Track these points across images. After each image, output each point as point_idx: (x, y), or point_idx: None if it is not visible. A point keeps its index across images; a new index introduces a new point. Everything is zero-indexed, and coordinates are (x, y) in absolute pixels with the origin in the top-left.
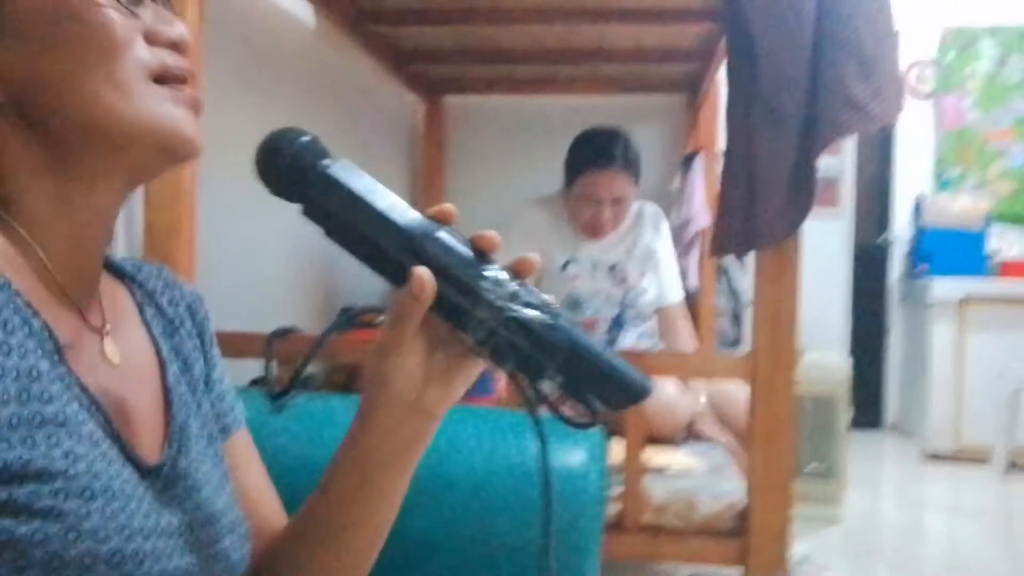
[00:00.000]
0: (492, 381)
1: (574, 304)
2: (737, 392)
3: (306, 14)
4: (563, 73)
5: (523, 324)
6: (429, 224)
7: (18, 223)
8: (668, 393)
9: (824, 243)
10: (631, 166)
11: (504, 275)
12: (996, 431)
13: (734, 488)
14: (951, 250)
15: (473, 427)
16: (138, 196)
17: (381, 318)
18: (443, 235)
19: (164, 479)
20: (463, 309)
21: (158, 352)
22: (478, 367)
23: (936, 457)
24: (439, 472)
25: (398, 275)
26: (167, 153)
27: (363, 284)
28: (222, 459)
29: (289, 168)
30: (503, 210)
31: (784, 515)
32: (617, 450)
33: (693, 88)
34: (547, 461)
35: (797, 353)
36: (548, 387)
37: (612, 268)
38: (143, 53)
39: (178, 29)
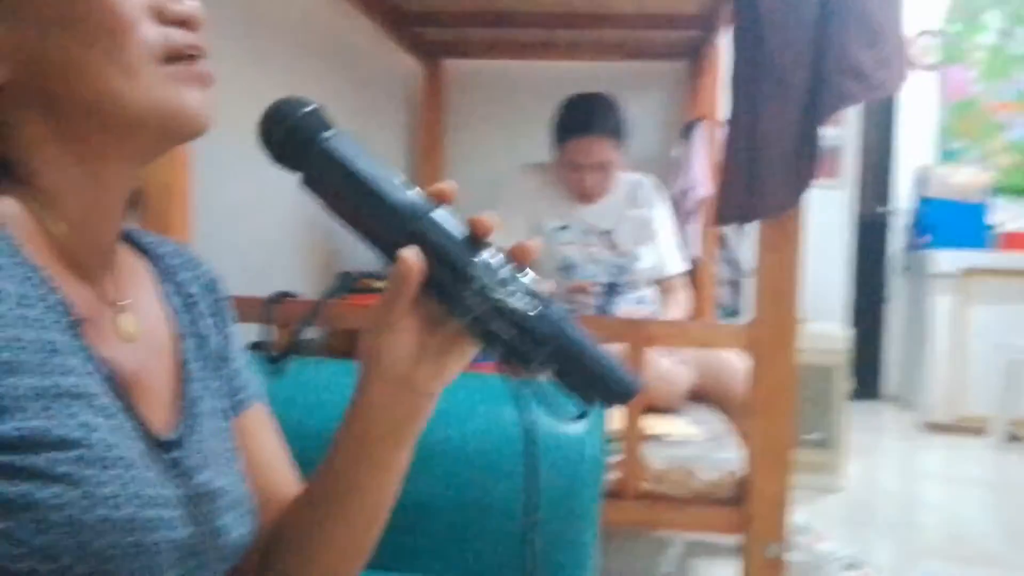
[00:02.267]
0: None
1: (567, 268)
2: (733, 362)
3: None
4: (564, 38)
5: (509, 312)
6: (426, 203)
7: (35, 198)
8: (664, 365)
9: (825, 214)
10: (614, 131)
11: (498, 260)
12: (995, 402)
13: (733, 457)
14: (952, 222)
15: (470, 393)
16: None
17: (380, 283)
18: (438, 216)
19: (173, 453)
20: (453, 292)
21: (175, 327)
22: (473, 348)
23: (935, 427)
24: (436, 437)
25: (392, 253)
26: (172, 134)
27: (362, 248)
28: (232, 436)
29: (290, 139)
30: (501, 174)
31: (783, 484)
32: (616, 418)
33: (694, 55)
34: (534, 439)
35: (798, 323)
36: (538, 374)
37: (604, 233)
38: (150, 33)
39: (188, 4)
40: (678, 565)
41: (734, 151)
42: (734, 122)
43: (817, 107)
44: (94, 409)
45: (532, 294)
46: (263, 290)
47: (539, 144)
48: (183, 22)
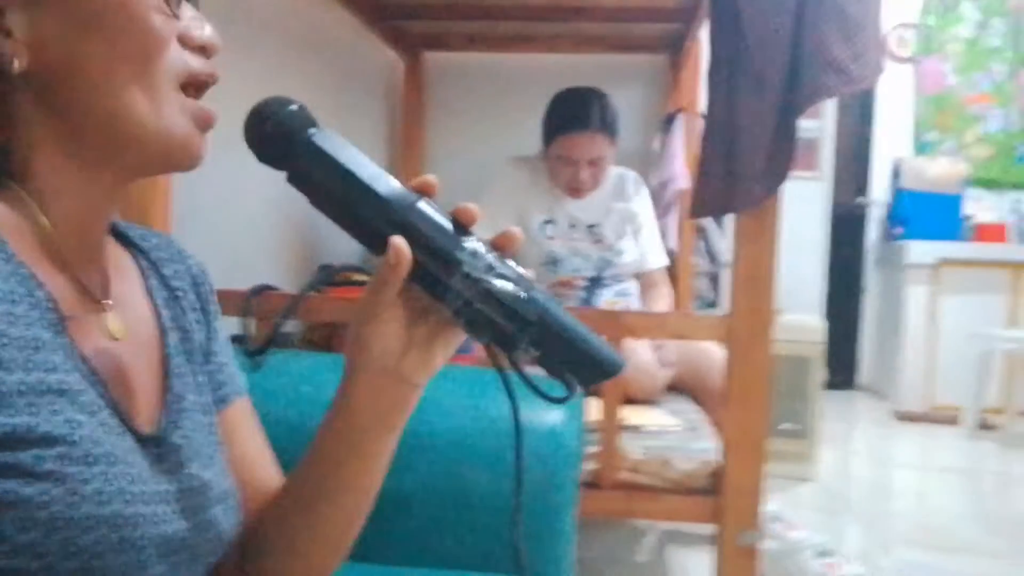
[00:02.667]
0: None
1: (552, 263)
2: (712, 353)
3: None
4: (545, 31)
5: (496, 296)
6: (409, 195)
7: (27, 194)
8: (644, 357)
9: (802, 205)
10: (608, 127)
11: (482, 247)
12: (967, 391)
13: (708, 447)
14: (927, 213)
15: (452, 385)
16: None
17: (360, 276)
18: (423, 206)
19: (159, 448)
20: (440, 279)
21: (159, 322)
22: (458, 338)
23: (908, 417)
24: (418, 429)
25: (379, 244)
26: (171, 161)
27: (342, 242)
28: (216, 430)
29: (276, 136)
30: (483, 167)
31: (758, 474)
32: (594, 409)
33: (675, 48)
34: (519, 425)
35: (774, 314)
36: (524, 359)
37: (590, 228)
38: (176, 57)
39: (208, 31)
40: (654, 554)
41: (711, 144)
42: (711, 115)
43: (794, 100)
44: (78, 406)
45: (517, 278)
46: (243, 283)
47: (520, 136)
48: (203, 48)
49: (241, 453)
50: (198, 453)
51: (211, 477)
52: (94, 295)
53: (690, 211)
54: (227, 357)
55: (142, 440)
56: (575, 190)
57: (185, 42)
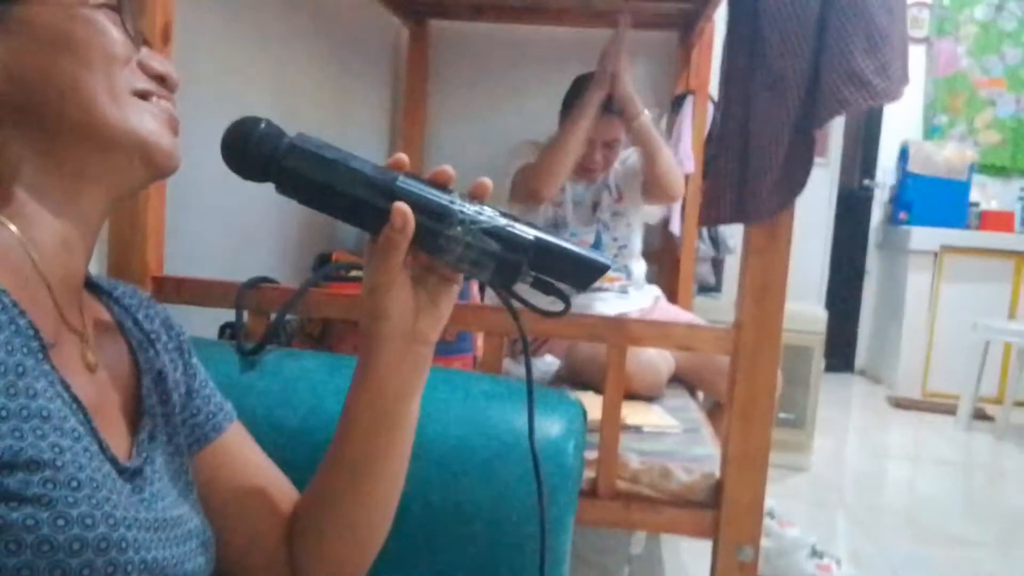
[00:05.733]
0: (471, 339)
1: (555, 226)
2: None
3: None
4: (553, 3)
5: (494, 231)
6: (391, 171)
7: (7, 218)
8: (649, 351)
9: (809, 191)
10: (630, 107)
11: (466, 199)
12: (963, 380)
13: (709, 453)
14: (933, 199)
15: (448, 393)
16: None
17: (354, 272)
18: (406, 177)
19: (134, 480)
20: (439, 233)
21: (135, 362)
22: (457, 288)
23: (903, 403)
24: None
25: (377, 221)
26: (146, 161)
27: (335, 235)
28: (187, 471)
29: (259, 151)
30: (484, 136)
31: (759, 488)
32: (594, 408)
33: (686, 26)
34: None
35: (782, 327)
36: (526, 280)
37: (593, 207)
38: (136, 74)
39: (167, 66)
40: (647, 547)
41: (723, 149)
42: (724, 119)
43: (814, 112)
44: (62, 432)
45: (503, 215)
46: (235, 274)
47: (524, 108)
48: (160, 78)
49: (255, 465)
50: (168, 490)
51: (181, 513)
52: (73, 325)
53: (701, 219)
54: (210, 389)
55: (120, 470)
56: (587, 170)
57: (145, 69)
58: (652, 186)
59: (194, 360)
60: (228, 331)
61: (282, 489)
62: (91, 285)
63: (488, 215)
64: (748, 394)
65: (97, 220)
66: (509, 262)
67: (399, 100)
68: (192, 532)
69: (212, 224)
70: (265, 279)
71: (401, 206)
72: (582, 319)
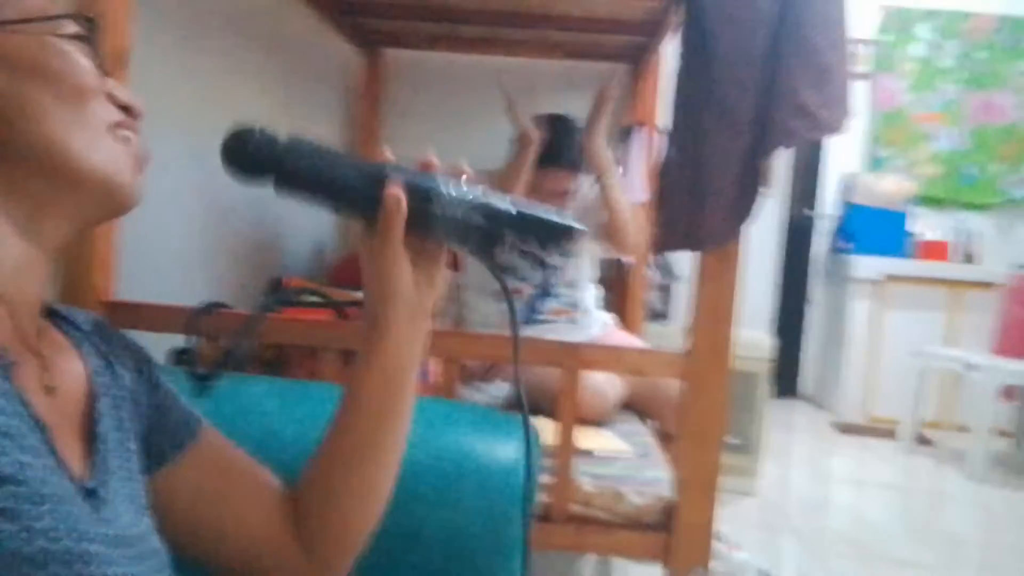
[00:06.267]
0: (426, 369)
1: (505, 271)
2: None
3: None
4: (507, 35)
5: (477, 205)
6: (379, 163)
7: None
8: (597, 377)
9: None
10: (577, 161)
11: (450, 180)
12: (905, 405)
13: (660, 476)
14: (875, 229)
15: None
16: None
17: (314, 298)
18: (395, 167)
19: (92, 499)
20: (428, 212)
21: (90, 385)
22: (444, 259)
23: (847, 428)
24: None
25: (372, 207)
26: (107, 199)
27: (287, 261)
28: (143, 494)
29: (259, 153)
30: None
31: (710, 510)
32: (545, 433)
33: (636, 59)
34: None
35: (732, 353)
36: (508, 246)
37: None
38: (106, 106)
39: (132, 96)
40: (598, 571)
41: (674, 178)
42: (675, 149)
43: (762, 143)
44: (24, 448)
45: (483, 191)
46: (185, 299)
47: (477, 137)
48: (126, 108)
49: (239, 463)
50: (125, 511)
51: (138, 532)
52: (33, 347)
53: (653, 247)
54: (179, 401)
55: (80, 489)
56: None
57: (112, 100)
58: (615, 241)
59: (157, 373)
60: (182, 356)
61: (268, 474)
62: (50, 311)
63: (471, 193)
64: (699, 418)
65: (58, 247)
66: (491, 233)
67: (354, 128)
68: (152, 551)
69: (163, 248)
70: (218, 304)
71: (394, 189)
72: (536, 343)
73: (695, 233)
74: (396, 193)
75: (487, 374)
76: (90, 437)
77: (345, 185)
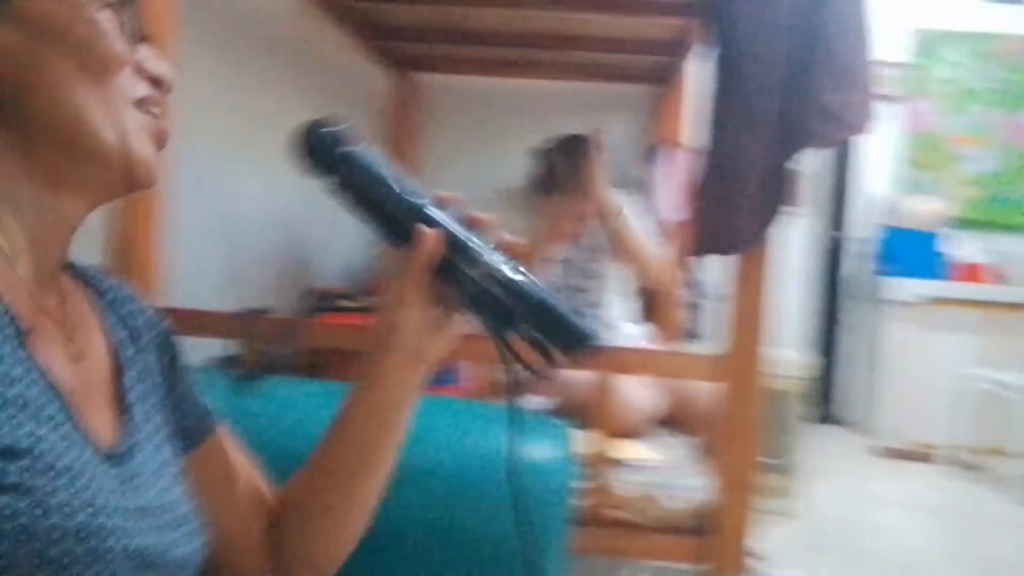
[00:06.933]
0: (459, 373)
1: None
2: (702, 386)
3: None
4: (534, 57)
5: (504, 280)
6: (432, 201)
7: None
8: (630, 391)
9: (789, 240)
10: (590, 185)
11: (490, 244)
12: (945, 429)
13: (697, 484)
14: (909, 251)
15: (444, 417)
16: None
17: (350, 303)
18: (442, 211)
19: (119, 467)
20: (455, 266)
21: (116, 357)
22: (461, 325)
23: (888, 453)
24: (412, 461)
25: (405, 241)
26: (126, 173)
27: (327, 265)
28: (173, 462)
29: (316, 153)
30: (470, 187)
31: (746, 515)
32: (584, 443)
33: (661, 79)
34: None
35: (767, 353)
36: (520, 330)
37: (583, 268)
38: (133, 79)
39: (164, 67)
40: None
41: (709, 183)
42: (709, 154)
43: (786, 143)
44: (40, 419)
45: (516, 269)
46: (231, 304)
47: (507, 158)
48: (156, 81)
49: (241, 464)
50: (156, 478)
51: (170, 500)
52: (53, 314)
53: (692, 250)
54: (196, 394)
55: (105, 457)
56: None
57: (140, 73)
58: (639, 274)
59: (182, 364)
60: (226, 359)
61: (263, 485)
62: (77, 274)
63: (507, 267)
64: (738, 419)
65: (75, 219)
66: (507, 311)
67: (382, 148)
68: (184, 518)
69: (206, 256)
70: (260, 309)
71: (430, 231)
72: None
73: (725, 237)
74: (431, 238)
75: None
76: (120, 405)
77: (385, 212)
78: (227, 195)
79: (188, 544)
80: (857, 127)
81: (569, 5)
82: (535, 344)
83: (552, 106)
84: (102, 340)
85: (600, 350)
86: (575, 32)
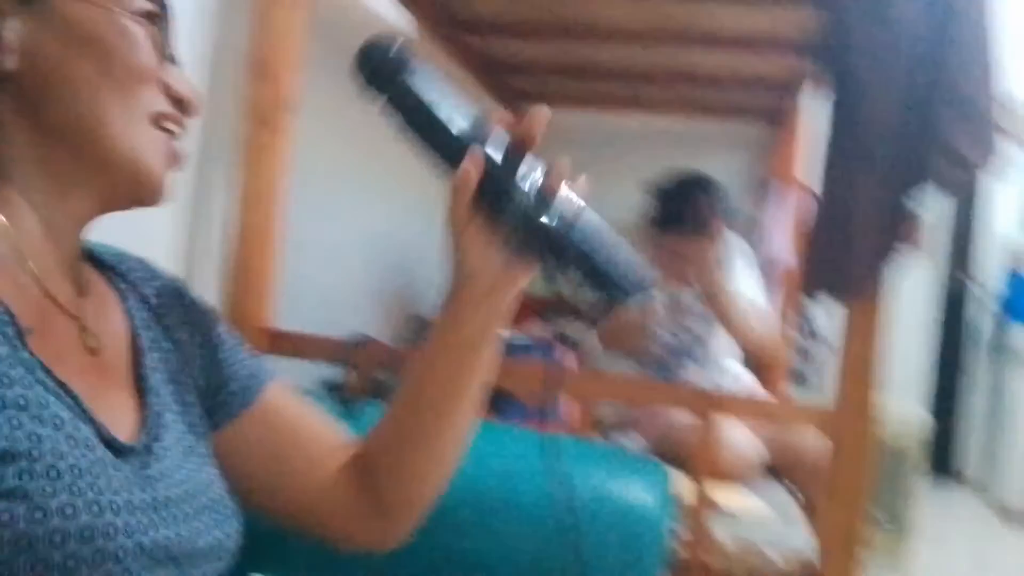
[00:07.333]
0: (559, 411)
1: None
2: (808, 438)
3: (404, 22)
4: (645, 93)
5: (542, 211)
6: (482, 130)
7: None
8: (736, 436)
9: (907, 286)
10: (705, 226)
11: (538, 172)
12: None
13: (802, 539)
14: None
15: (530, 451)
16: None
17: None
18: (492, 139)
19: (137, 459)
20: (500, 198)
21: (136, 341)
22: (527, 266)
23: (1012, 516)
24: (493, 494)
25: (452, 166)
26: (135, 186)
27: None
28: (204, 445)
29: (375, 71)
30: None
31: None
32: (682, 488)
33: (773, 117)
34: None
35: (879, 410)
36: (572, 267)
37: (691, 306)
38: (156, 94)
39: (190, 88)
40: None
41: (823, 221)
42: (826, 194)
43: (904, 183)
44: (40, 420)
45: (566, 199)
46: (335, 330)
47: (613, 195)
48: (181, 102)
49: (305, 414)
50: (180, 466)
51: (195, 487)
52: (68, 309)
53: (803, 289)
54: (245, 352)
55: (118, 451)
56: (669, 280)
57: (167, 90)
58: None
59: (219, 330)
60: (332, 385)
61: (337, 435)
62: (95, 260)
63: (549, 195)
64: (844, 477)
65: (84, 218)
66: (558, 246)
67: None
68: (207, 506)
69: (314, 281)
70: (368, 337)
71: (466, 163)
72: (668, 387)
73: (837, 278)
74: (468, 167)
75: (622, 425)
76: (141, 392)
77: (433, 136)
78: (339, 221)
79: (216, 530)
80: (980, 163)
81: (685, 42)
82: (586, 283)
83: (664, 142)
84: (121, 327)
85: (650, 297)
86: (687, 68)
